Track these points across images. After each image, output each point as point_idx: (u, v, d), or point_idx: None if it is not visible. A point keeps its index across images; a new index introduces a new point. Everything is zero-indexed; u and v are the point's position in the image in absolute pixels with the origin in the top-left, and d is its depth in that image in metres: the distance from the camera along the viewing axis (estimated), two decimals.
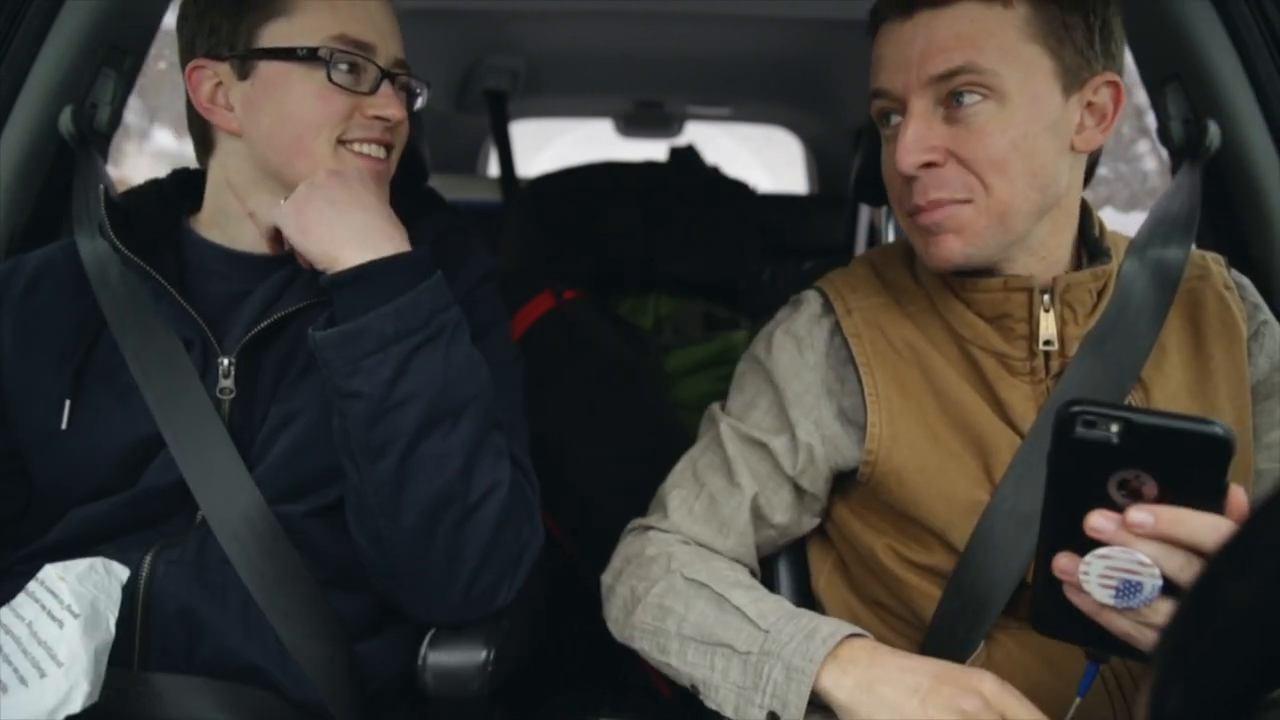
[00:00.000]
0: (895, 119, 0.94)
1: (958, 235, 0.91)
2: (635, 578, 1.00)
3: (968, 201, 0.90)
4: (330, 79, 0.99)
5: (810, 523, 1.06)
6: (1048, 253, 0.96)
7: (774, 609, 0.90)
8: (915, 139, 0.89)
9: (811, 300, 1.07)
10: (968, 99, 0.88)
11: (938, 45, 0.88)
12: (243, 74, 1.01)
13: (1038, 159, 0.89)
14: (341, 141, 1.01)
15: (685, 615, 0.92)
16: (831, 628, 0.86)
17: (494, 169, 3.14)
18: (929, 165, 0.90)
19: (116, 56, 1.34)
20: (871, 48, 0.95)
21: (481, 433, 0.95)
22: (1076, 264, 1.00)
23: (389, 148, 1.05)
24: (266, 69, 1.00)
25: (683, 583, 0.95)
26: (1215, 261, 1.03)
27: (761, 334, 1.09)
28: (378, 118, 1.02)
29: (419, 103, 1.12)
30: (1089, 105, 0.93)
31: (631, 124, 3.34)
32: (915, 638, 0.98)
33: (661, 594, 0.96)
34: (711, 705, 0.88)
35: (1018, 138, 0.88)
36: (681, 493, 1.04)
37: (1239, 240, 1.30)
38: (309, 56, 0.98)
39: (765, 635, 0.87)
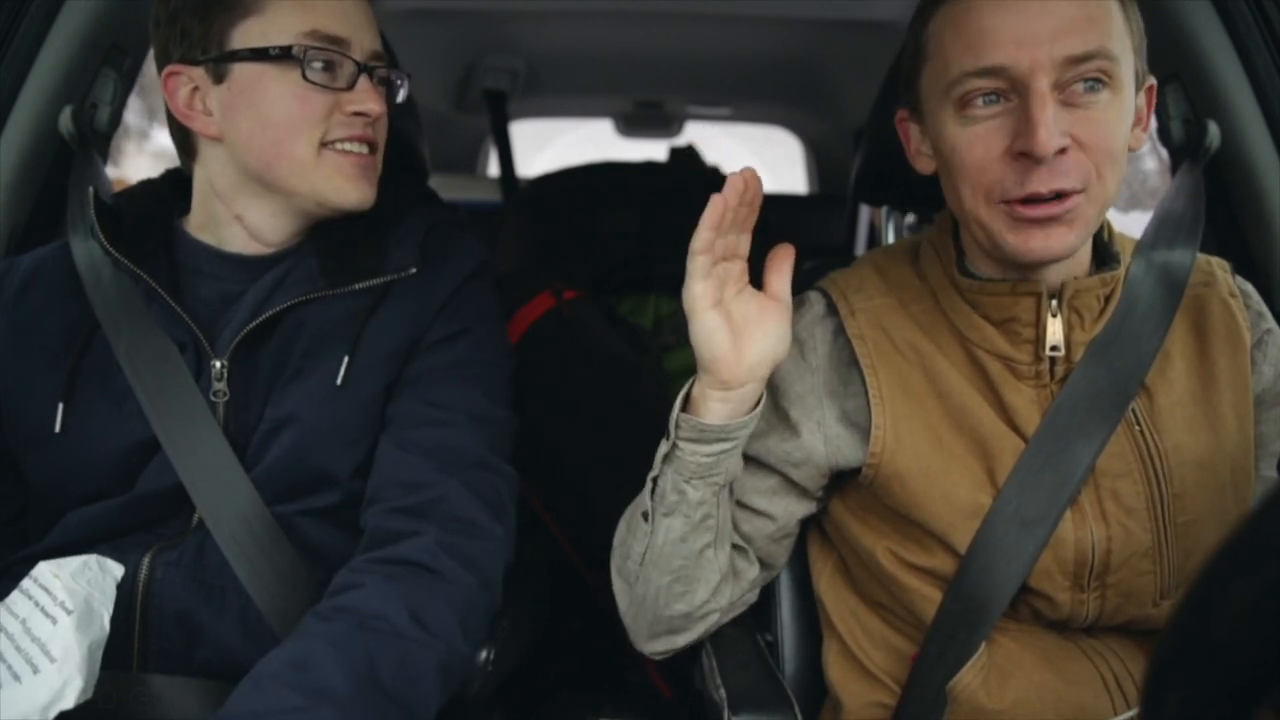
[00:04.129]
0: (996, 100, 0.87)
1: (1069, 228, 0.87)
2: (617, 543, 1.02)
3: (1082, 192, 0.87)
4: (305, 78, 0.98)
5: (802, 510, 1.05)
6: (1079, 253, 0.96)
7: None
8: (1056, 120, 0.84)
9: (815, 301, 1.06)
10: (1097, 86, 0.85)
11: (1073, 23, 0.84)
12: (218, 78, 0.99)
13: (1126, 154, 0.90)
14: (324, 143, 1.00)
15: (628, 540, 0.99)
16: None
17: (494, 169, 3.14)
18: (1059, 151, 0.85)
19: (116, 56, 1.34)
20: (961, 19, 0.88)
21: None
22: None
23: (372, 144, 1.04)
24: (241, 71, 0.98)
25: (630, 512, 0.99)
26: (1221, 268, 1.02)
27: None
28: (357, 114, 1.00)
29: (400, 95, 1.11)
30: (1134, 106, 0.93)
31: (631, 124, 3.34)
32: (917, 638, 0.98)
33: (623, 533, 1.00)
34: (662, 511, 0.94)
35: (1125, 130, 0.88)
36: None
37: (1239, 240, 1.30)
38: (282, 56, 0.97)
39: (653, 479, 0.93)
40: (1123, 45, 0.87)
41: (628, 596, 1.01)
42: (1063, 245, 0.88)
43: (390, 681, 0.86)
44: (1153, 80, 0.94)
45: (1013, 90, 0.85)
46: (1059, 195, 0.86)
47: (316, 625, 0.89)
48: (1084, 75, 0.84)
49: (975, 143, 0.88)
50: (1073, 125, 0.85)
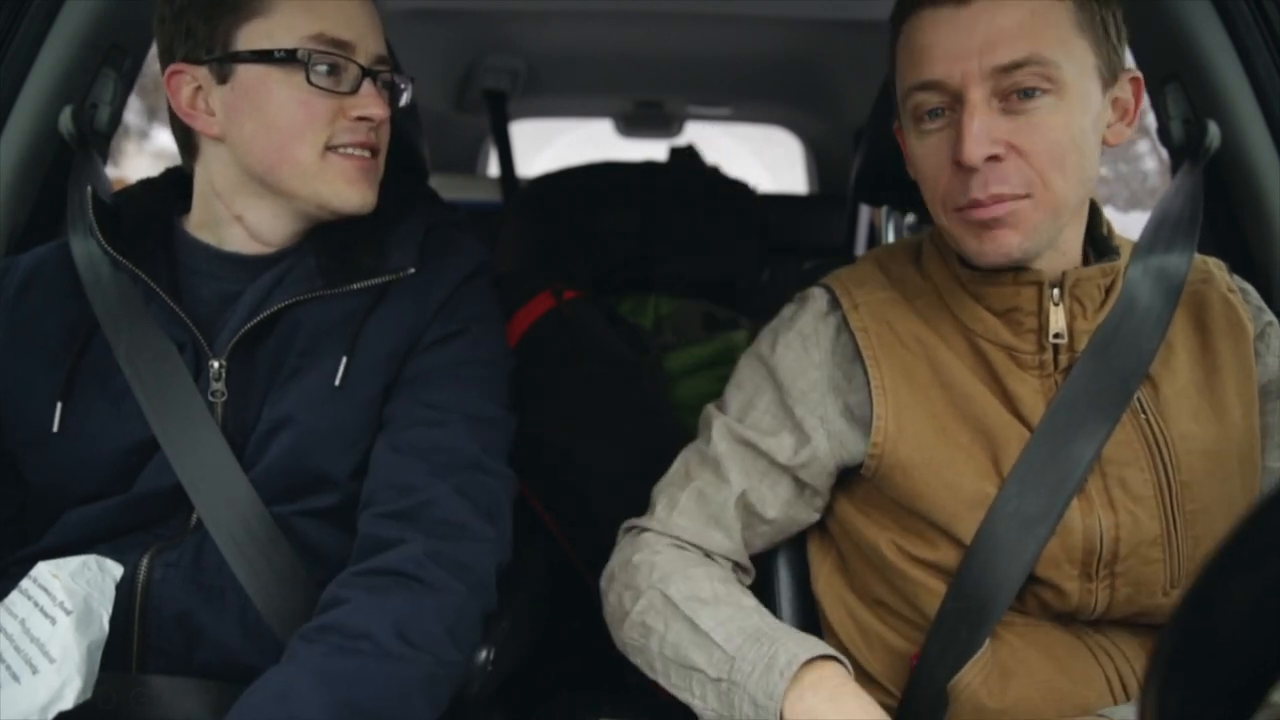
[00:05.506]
0: (940, 113, 0.91)
1: (1015, 230, 0.90)
2: (623, 586, 1.00)
3: (1026, 197, 0.89)
4: (309, 81, 0.97)
5: (809, 516, 1.05)
6: (1066, 248, 0.97)
7: (739, 630, 0.89)
8: (982, 130, 0.86)
9: (818, 297, 1.06)
10: (1033, 93, 0.87)
11: (1001, 34, 0.86)
12: (221, 78, 0.99)
13: (1086, 154, 0.90)
14: (328, 147, 1.00)
15: (665, 636, 0.93)
16: (789, 654, 0.85)
17: (494, 169, 3.14)
18: (992, 158, 0.87)
19: (116, 56, 1.34)
20: (908, 37, 0.92)
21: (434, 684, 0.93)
22: (1084, 261, 1.00)
23: (375, 149, 1.04)
24: (245, 72, 0.98)
25: (661, 600, 0.95)
26: (1218, 267, 1.04)
27: (766, 331, 1.08)
28: (361, 118, 1.00)
29: (404, 99, 1.11)
30: (1115, 100, 0.94)
31: (631, 124, 3.34)
32: (916, 638, 0.98)
33: (643, 611, 0.96)
34: None
35: (1075, 133, 0.89)
36: (671, 490, 1.05)
37: (1238, 240, 1.30)
38: (287, 58, 0.97)
39: (731, 662, 0.87)
40: (1066, 49, 0.88)
41: (615, 621, 1.01)
42: (1009, 246, 0.90)
43: (372, 705, 0.86)
44: (1136, 72, 0.94)
45: (955, 102, 0.89)
46: (998, 199, 0.88)
47: (301, 650, 0.89)
48: (1020, 84, 0.87)
49: (929, 155, 0.93)
50: (1012, 134, 0.87)
